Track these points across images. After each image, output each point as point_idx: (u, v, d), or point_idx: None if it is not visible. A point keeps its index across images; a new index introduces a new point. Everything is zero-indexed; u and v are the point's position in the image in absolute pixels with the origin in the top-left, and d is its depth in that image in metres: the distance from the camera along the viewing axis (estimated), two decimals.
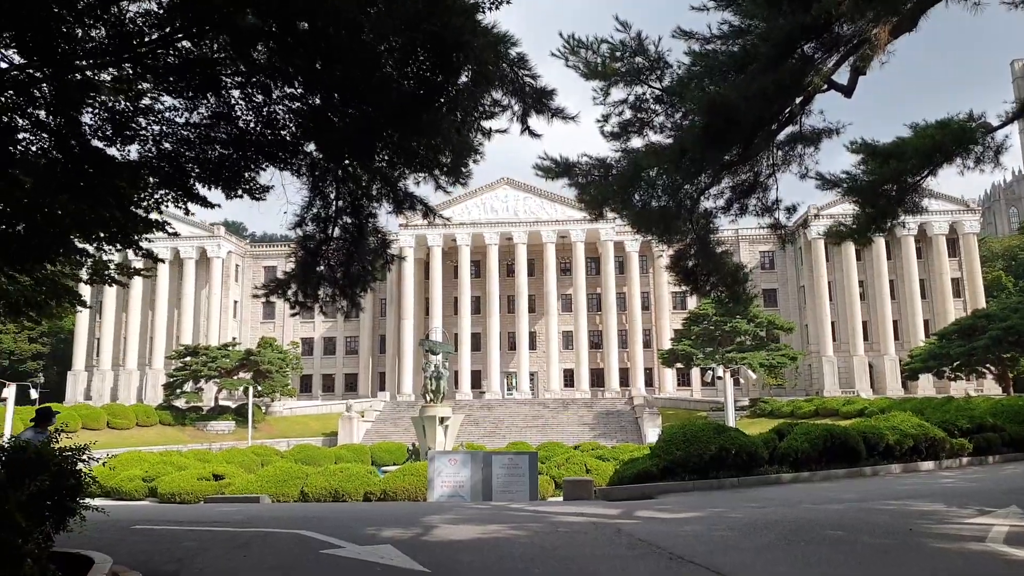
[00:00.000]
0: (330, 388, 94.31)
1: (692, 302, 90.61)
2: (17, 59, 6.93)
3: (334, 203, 11.48)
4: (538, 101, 8.72)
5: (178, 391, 69.13)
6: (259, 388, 68.13)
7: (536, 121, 9.05)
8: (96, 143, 7.73)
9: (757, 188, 14.11)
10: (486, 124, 9.23)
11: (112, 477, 28.44)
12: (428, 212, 11.26)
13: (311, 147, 10.17)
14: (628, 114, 13.81)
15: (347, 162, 10.29)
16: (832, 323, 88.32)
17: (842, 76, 12.68)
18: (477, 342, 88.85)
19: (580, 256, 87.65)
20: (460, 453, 19.30)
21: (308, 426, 72.46)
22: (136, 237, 10.39)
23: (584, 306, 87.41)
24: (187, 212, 9.09)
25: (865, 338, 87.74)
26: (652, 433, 65.01)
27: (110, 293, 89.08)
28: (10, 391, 35.01)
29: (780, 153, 13.82)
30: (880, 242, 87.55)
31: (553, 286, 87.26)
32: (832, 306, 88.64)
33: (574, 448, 50.96)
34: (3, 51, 6.90)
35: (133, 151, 8.02)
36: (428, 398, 41.67)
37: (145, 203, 8.83)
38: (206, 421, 66.22)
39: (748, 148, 11.82)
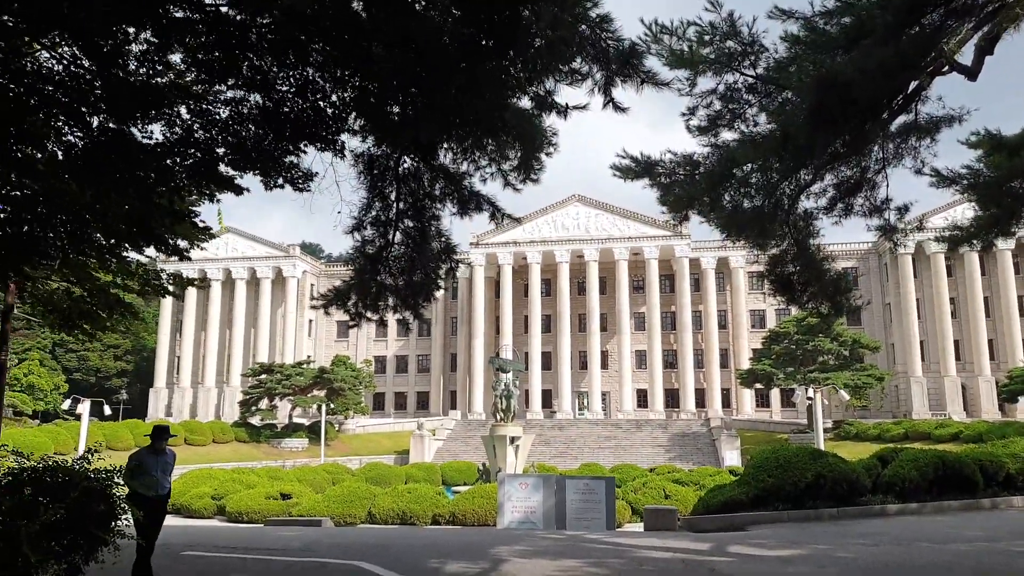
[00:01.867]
0: (402, 406, 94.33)
1: (771, 320, 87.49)
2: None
3: (394, 205, 10.55)
4: (624, 64, 7.55)
5: (253, 408, 69.86)
6: (332, 405, 68.31)
7: (622, 92, 7.88)
8: (114, 124, 6.96)
9: (864, 185, 12.59)
10: (561, 100, 8.09)
11: (182, 494, 28.22)
12: (496, 212, 10.22)
13: (366, 140, 9.25)
14: (717, 105, 12.49)
15: (407, 155, 9.33)
16: (921, 342, 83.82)
17: (965, 58, 11.25)
18: (548, 361, 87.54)
19: (654, 273, 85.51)
20: (531, 477, 18.15)
21: (380, 444, 72.33)
22: (162, 231, 9.55)
23: (658, 324, 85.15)
24: (212, 199, 8.23)
25: (957, 358, 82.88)
26: (730, 456, 62.45)
27: (190, 312, 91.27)
28: (84, 407, 35.41)
29: (891, 146, 12.32)
30: (974, 257, 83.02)
31: (626, 304, 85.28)
32: (921, 324, 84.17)
33: (649, 471, 49.12)
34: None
35: (158, 133, 7.23)
36: (498, 417, 40.59)
37: (168, 191, 7.93)
38: (280, 438, 66.66)
39: (860, 135, 10.39)
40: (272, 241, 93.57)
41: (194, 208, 12.15)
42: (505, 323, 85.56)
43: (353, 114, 7.53)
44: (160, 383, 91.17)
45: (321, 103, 6.97)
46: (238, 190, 8.46)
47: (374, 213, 10.60)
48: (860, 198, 12.78)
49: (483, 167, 9.98)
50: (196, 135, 7.13)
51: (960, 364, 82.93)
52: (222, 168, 7.74)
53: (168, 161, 7.30)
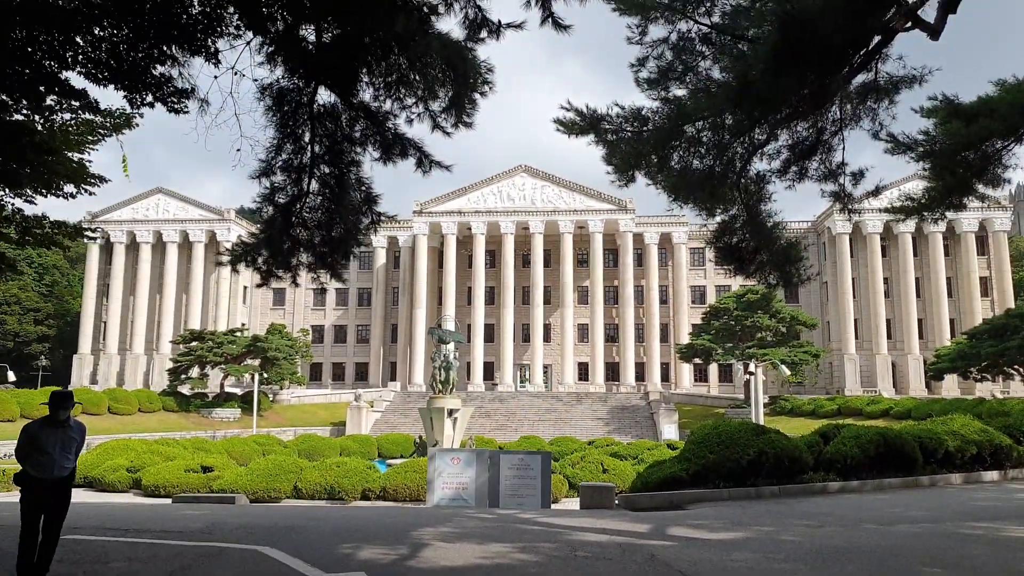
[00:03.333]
0: (340, 377, 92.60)
1: (711, 296, 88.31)
2: None
3: (308, 147, 9.40)
4: None
5: (183, 377, 67.47)
6: (265, 375, 66.40)
7: (564, 7, 6.88)
8: None
9: (819, 148, 11.87)
10: (494, 17, 7.03)
11: (95, 467, 26.61)
12: (423, 159, 9.13)
13: (275, 69, 8.10)
14: (669, 56, 11.61)
15: (322, 88, 8.19)
16: (855, 320, 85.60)
17: (928, 15, 10.56)
18: (491, 333, 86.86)
19: (598, 247, 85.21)
20: (464, 452, 17.27)
21: (316, 415, 70.81)
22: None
23: (601, 298, 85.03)
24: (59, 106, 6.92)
25: (888, 336, 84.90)
26: (668, 429, 62.83)
27: (118, 276, 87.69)
28: None
29: (849, 107, 11.61)
30: (907, 238, 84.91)
31: (570, 277, 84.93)
32: (855, 303, 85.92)
33: (588, 444, 48.94)
34: None
35: None
36: (437, 389, 39.59)
37: None
38: (211, 408, 64.58)
39: (822, 86, 9.60)
40: (207, 204, 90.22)
41: (87, 147, 10.80)
42: (448, 294, 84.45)
43: (233, 13, 6.34)
44: (85, 349, 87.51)
45: None
46: (86, 101, 7.16)
47: (285, 156, 9.43)
48: (815, 161, 12.07)
49: (409, 106, 8.91)
50: (23, 33, 5.84)
51: (891, 343, 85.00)
52: (70, 76, 6.46)
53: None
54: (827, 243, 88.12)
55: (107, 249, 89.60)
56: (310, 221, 10.32)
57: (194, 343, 67.33)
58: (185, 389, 68.05)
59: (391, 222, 10.13)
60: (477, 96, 8.67)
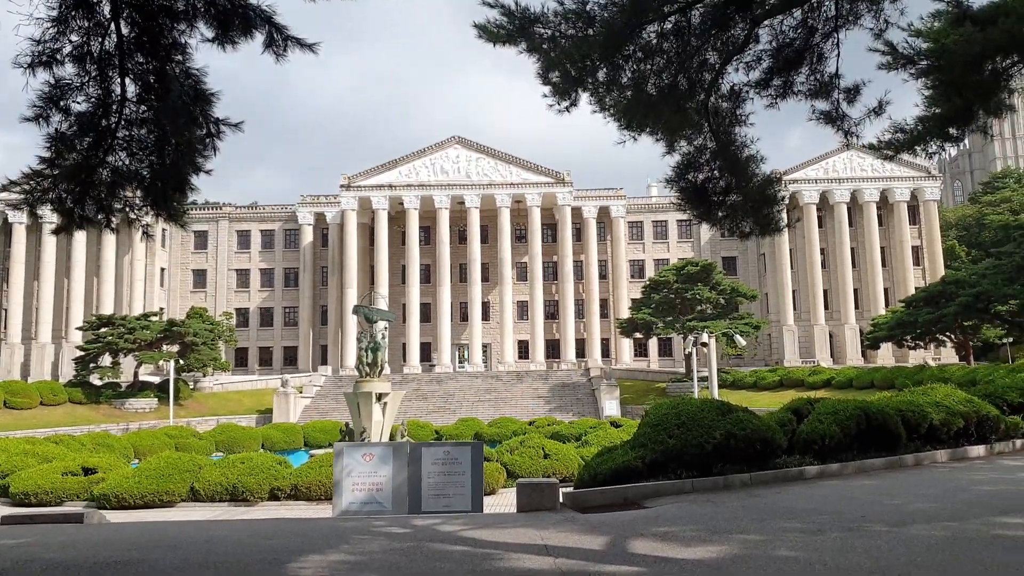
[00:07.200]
0: (267, 362, 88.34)
1: (651, 270, 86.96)
2: None
3: (111, 25, 6.47)
4: None
5: (92, 366, 62.63)
6: (183, 362, 62.14)
7: None
8: None
9: (808, 55, 9.45)
10: None
11: None
12: (275, 34, 6.31)
13: None
14: None
15: None
16: (793, 292, 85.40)
17: None
18: (427, 312, 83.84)
19: (536, 222, 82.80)
20: (379, 446, 14.57)
21: (241, 403, 66.97)
22: None
23: (540, 275, 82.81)
24: None
25: (826, 307, 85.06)
26: (610, 406, 61.20)
27: (19, 259, 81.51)
28: None
29: (846, 2, 9.20)
30: (843, 208, 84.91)
31: (508, 254, 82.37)
32: (793, 274, 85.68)
33: (529, 424, 46.81)
34: None
35: None
36: (364, 372, 36.54)
37: None
38: (124, 399, 60.10)
39: None
40: None
41: None
42: (380, 272, 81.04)
43: None
44: None
45: None
46: None
47: (77, 38, 6.49)
48: (803, 73, 9.64)
49: None
50: None
51: (828, 313, 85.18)
52: None
53: None
54: None
55: (5, 231, 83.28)
56: (134, 142, 7.41)
57: (103, 329, 62.55)
58: (95, 379, 63.28)
59: (236, 131, 7.14)
60: None
